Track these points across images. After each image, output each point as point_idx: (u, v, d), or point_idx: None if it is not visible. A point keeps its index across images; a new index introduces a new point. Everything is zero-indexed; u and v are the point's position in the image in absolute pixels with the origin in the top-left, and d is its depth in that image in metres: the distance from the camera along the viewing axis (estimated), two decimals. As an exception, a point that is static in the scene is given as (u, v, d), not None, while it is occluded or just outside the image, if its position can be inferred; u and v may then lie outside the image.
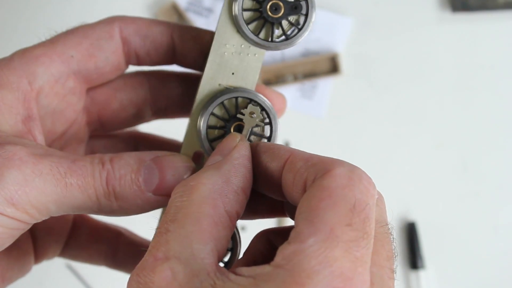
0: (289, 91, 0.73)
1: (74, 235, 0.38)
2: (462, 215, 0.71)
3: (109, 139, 0.40)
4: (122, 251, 0.38)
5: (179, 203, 0.26)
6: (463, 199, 0.71)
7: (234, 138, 0.30)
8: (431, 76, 0.73)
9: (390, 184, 0.72)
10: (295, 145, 0.72)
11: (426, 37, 0.73)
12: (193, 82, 0.37)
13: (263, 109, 0.32)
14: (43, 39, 0.33)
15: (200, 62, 0.35)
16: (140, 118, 0.38)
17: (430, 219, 0.71)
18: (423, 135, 0.72)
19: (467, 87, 0.73)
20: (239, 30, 0.31)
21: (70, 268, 0.68)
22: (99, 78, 0.35)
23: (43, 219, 0.29)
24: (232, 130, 0.32)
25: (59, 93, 0.33)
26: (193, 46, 0.34)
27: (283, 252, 0.24)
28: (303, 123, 0.72)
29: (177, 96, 0.37)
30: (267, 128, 0.32)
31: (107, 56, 0.34)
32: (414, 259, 0.70)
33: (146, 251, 0.26)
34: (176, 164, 0.30)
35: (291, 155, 0.28)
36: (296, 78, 0.72)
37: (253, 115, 0.31)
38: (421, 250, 0.70)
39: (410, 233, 0.70)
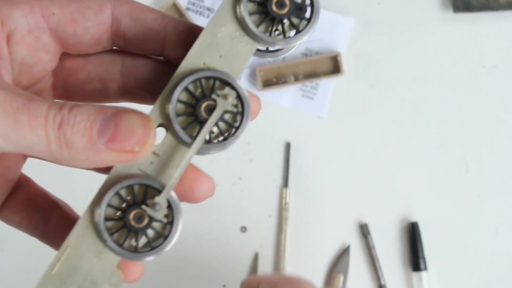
0: (290, 91, 0.72)
1: (12, 196, 0.36)
2: (464, 216, 0.71)
3: None
4: (53, 223, 0.36)
5: None
6: (465, 200, 0.71)
7: None
8: (432, 76, 0.73)
9: (392, 184, 0.71)
10: (296, 145, 0.71)
11: (427, 37, 0.73)
12: (167, 70, 0.35)
13: (239, 96, 0.31)
14: None
15: None
16: (105, 95, 0.37)
17: (432, 220, 0.70)
18: (425, 135, 0.72)
19: (469, 87, 0.72)
20: (239, 17, 0.31)
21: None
22: (75, 45, 0.34)
23: None
24: (202, 108, 0.30)
25: (31, 45, 0.33)
26: (185, 39, 0.33)
27: None
28: (304, 123, 0.72)
29: (148, 81, 0.36)
30: (238, 118, 0.31)
31: (89, 26, 0.33)
32: (415, 260, 0.69)
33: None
34: (133, 120, 0.29)
35: None
36: (297, 78, 0.72)
37: (227, 99, 0.30)
38: (423, 251, 0.69)
39: (412, 233, 0.70)
